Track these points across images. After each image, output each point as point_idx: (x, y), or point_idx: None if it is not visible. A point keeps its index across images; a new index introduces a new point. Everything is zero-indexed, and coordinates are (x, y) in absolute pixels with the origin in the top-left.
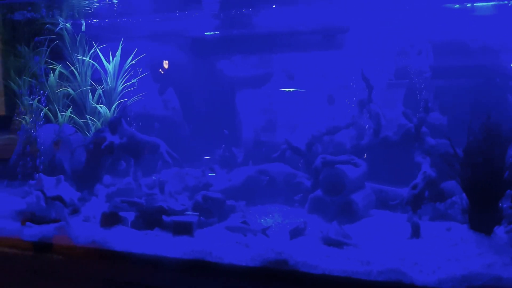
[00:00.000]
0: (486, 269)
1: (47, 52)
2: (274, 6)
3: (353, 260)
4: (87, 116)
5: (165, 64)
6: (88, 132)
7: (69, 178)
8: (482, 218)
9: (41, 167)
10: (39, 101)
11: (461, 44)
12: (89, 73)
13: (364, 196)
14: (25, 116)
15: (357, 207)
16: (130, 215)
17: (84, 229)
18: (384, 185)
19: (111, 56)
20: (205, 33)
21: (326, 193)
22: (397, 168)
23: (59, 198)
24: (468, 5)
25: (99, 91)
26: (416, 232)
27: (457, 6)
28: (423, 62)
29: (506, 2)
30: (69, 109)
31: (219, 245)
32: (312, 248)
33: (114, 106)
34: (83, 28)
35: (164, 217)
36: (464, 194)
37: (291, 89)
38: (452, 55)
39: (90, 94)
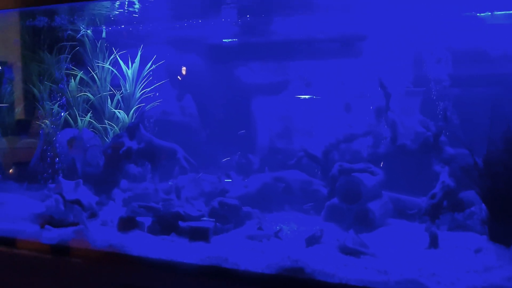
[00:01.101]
0: (507, 282)
1: (68, 58)
2: (292, 14)
3: (370, 269)
4: (106, 121)
5: (183, 71)
6: (107, 137)
7: (79, 177)
8: (502, 229)
9: (60, 170)
10: (59, 105)
11: (480, 52)
12: (108, 78)
13: (381, 204)
14: (45, 120)
15: (374, 215)
16: (146, 220)
17: (101, 233)
18: (401, 194)
19: (130, 62)
20: (223, 40)
21: (342, 201)
22: (415, 177)
23: (77, 202)
24: (488, 13)
25: (118, 96)
26: (434, 242)
27: (477, 14)
28: (441, 70)
29: None
30: (89, 114)
31: (235, 251)
32: (328, 256)
33: (132, 111)
34: (104, 34)
35: (181, 223)
36: (483, 205)
37: (308, 96)
38: (472, 63)
39: (109, 99)
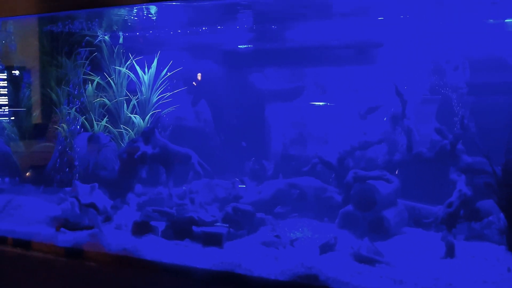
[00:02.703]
0: None
1: (86, 64)
2: (307, 21)
3: (386, 278)
4: (121, 125)
5: (199, 76)
6: (122, 142)
7: (95, 181)
8: None
9: (76, 174)
10: (76, 110)
11: (499, 60)
12: (124, 84)
13: (396, 213)
14: (63, 125)
15: (389, 224)
16: (160, 225)
17: (116, 237)
18: (417, 203)
19: (146, 67)
20: (239, 46)
21: (357, 209)
22: (431, 185)
23: (93, 206)
24: (507, 20)
25: (134, 101)
26: (450, 252)
27: (495, 21)
28: (459, 78)
29: None
30: (105, 119)
31: (248, 257)
32: (343, 264)
33: (148, 116)
34: (121, 40)
35: (194, 228)
36: (501, 214)
37: (323, 103)
38: (490, 71)
39: (125, 104)
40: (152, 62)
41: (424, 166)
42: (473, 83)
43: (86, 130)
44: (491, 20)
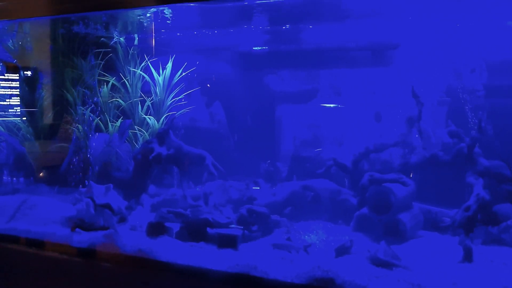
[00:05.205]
0: None
1: (101, 65)
2: (322, 23)
3: (403, 282)
4: (136, 127)
5: (213, 78)
6: (136, 143)
7: (110, 181)
8: None
9: (91, 175)
10: (91, 111)
11: None
12: (139, 85)
13: (412, 216)
14: (78, 125)
15: (405, 227)
16: (175, 226)
17: (131, 238)
18: (432, 206)
19: (161, 69)
20: (254, 48)
21: (372, 212)
22: (447, 188)
23: (108, 206)
24: None
25: (148, 102)
26: (468, 256)
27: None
28: (476, 80)
29: None
30: (119, 120)
31: (264, 260)
32: (359, 267)
33: (162, 118)
34: (136, 42)
35: (209, 230)
36: None
37: (338, 105)
38: (508, 73)
39: (139, 105)
40: (167, 64)
41: (441, 169)
42: (490, 85)
43: (100, 131)
44: (509, 22)
